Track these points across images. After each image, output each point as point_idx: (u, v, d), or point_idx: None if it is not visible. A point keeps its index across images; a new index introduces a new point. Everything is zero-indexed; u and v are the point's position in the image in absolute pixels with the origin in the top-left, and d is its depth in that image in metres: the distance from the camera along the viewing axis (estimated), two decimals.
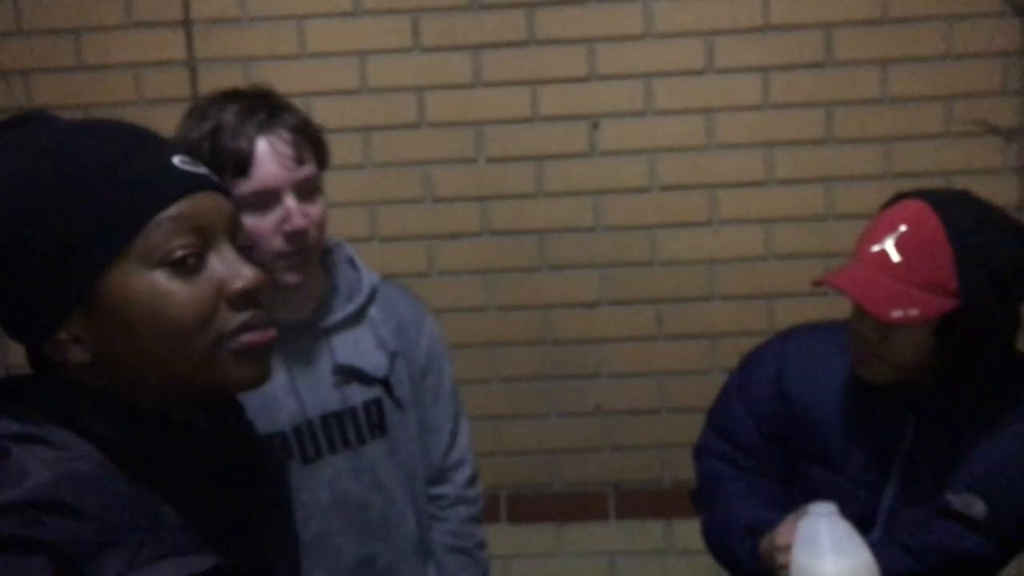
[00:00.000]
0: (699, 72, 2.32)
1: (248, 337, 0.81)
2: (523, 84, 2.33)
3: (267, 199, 1.35)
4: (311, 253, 1.40)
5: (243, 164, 1.32)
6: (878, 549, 1.35)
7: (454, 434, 1.63)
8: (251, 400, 1.36)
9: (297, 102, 1.46)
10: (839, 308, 1.57)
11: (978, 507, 1.43)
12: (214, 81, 2.21)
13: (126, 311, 0.79)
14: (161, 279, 0.79)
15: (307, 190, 1.38)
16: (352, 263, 1.55)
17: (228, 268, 0.82)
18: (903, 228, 1.38)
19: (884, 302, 1.35)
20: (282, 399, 1.43)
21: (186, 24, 2.33)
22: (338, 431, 1.46)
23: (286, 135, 1.35)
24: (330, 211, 1.46)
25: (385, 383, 1.49)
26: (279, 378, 1.43)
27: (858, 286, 1.37)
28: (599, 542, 2.44)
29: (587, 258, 2.37)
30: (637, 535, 2.43)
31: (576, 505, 2.41)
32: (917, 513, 1.48)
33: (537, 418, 2.40)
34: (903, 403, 1.48)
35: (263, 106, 1.36)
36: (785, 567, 1.36)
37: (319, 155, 1.41)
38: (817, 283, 1.43)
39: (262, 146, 1.34)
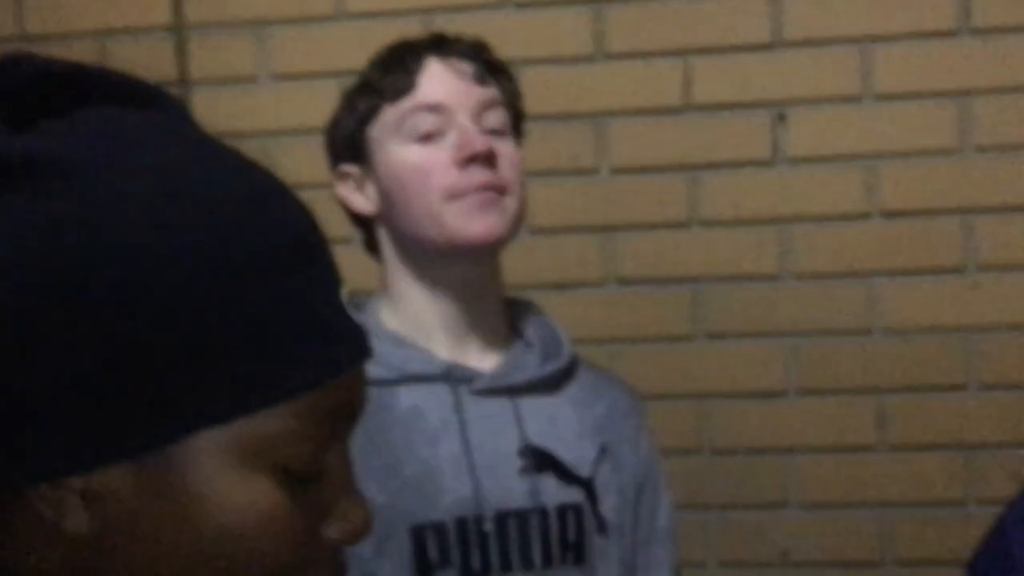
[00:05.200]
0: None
1: None
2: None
3: (435, 120, 1.05)
4: (504, 192, 1.05)
5: (406, 79, 1.06)
6: None
7: None
8: (405, 466, 1.06)
9: None
10: None
11: None
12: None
13: (189, 503, 0.47)
14: (263, 485, 0.49)
15: (492, 120, 1.08)
16: (545, 321, 1.18)
17: (340, 489, 0.52)
18: None
19: None
20: (449, 475, 1.05)
21: None
22: (518, 541, 1.07)
23: (465, 53, 1.08)
24: None
25: (588, 487, 1.09)
26: (448, 443, 1.06)
27: None
28: None
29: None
30: None
31: None
32: None
33: None
34: None
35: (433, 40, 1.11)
36: None
37: (506, 90, 1.10)
38: None
39: (432, 62, 1.08)
